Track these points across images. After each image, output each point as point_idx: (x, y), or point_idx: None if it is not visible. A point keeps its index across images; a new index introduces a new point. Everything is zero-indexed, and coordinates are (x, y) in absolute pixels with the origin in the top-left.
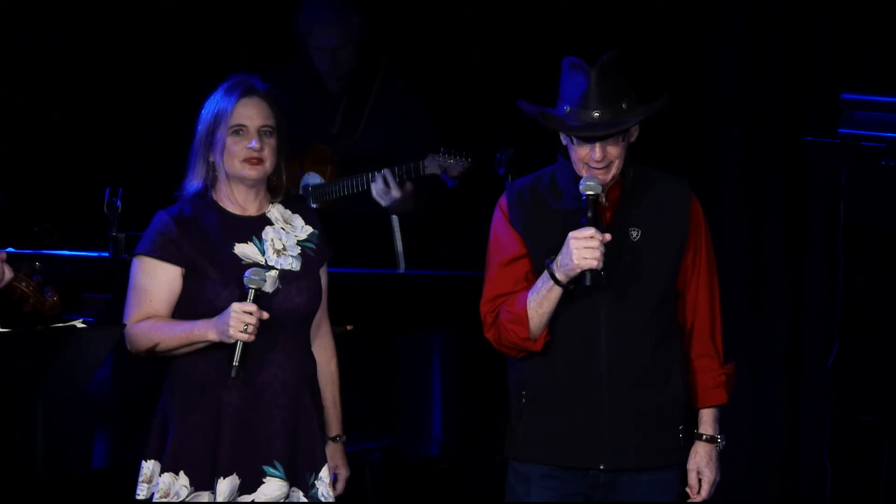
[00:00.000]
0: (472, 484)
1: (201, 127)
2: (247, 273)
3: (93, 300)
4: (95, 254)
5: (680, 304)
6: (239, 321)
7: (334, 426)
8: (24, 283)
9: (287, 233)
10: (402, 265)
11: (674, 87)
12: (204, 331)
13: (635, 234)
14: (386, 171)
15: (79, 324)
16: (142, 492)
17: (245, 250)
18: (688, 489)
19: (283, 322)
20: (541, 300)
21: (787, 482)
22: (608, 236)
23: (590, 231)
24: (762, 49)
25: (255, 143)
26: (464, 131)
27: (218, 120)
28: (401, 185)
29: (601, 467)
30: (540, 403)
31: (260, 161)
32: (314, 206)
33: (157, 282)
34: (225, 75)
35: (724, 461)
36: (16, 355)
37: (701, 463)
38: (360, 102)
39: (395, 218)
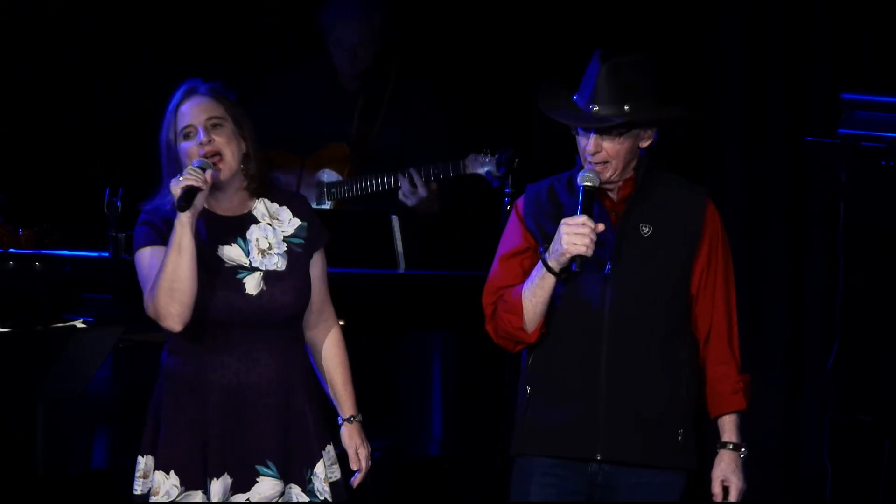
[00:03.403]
0: (472, 484)
1: (162, 145)
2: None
3: (93, 300)
4: (95, 254)
5: (694, 309)
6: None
7: (347, 408)
8: None
9: (274, 229)
10: (402, 265)
11: (674, 87)
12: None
13: (646, 229)
14: (412, 171)
15: (79, 324)
16: (139, 487)
17: (229, 253)
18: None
19: (268, 323)
20: (534, 289)
21: (787, 482)
22: (601, 226)
23: (581, 218)
24: (762, 49)
25: (202, 135)
26: (464, 131)
27: (169, 130)
28: (427, 184)
29: (598, 458)
30: (542, 396)
31: (216, 154)
32: (328, 203)
33: None
34: (229, 74)
35: None
36: (16, 355)
37: (727, 471)
38: (377, 102)
39: (395, 218)
